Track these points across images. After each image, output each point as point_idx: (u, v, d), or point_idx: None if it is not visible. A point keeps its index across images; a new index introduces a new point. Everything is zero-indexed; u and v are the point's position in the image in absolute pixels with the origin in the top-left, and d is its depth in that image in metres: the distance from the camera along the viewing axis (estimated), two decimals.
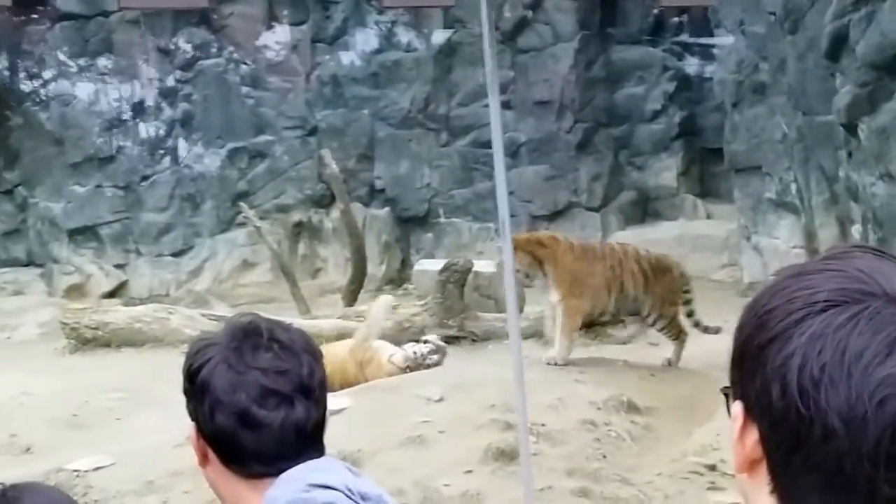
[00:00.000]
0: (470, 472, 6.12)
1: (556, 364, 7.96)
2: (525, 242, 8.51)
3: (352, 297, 12.05)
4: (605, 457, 6.34)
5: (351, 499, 1.62)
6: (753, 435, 0.96)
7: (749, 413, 0.96)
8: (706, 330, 8.78)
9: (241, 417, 1.65)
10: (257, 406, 1.65)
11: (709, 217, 15.03)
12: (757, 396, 0.95)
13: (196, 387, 1.69)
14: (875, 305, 0.92)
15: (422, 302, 10.70)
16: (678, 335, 8.72)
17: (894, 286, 0.94)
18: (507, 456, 6.18)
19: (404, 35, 15.74)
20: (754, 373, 0.95)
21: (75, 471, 6.78)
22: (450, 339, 9.52)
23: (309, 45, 15.99)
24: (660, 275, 8.65)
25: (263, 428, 1.65)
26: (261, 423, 1.65)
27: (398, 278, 15.24)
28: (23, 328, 14.17)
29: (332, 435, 6.22)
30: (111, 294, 15.57)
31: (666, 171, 15.43)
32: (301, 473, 1.64)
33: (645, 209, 15.58)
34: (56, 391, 9.29)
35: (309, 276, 15.45)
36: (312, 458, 1.68)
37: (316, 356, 1.74)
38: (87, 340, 11.50)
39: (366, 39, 15.89)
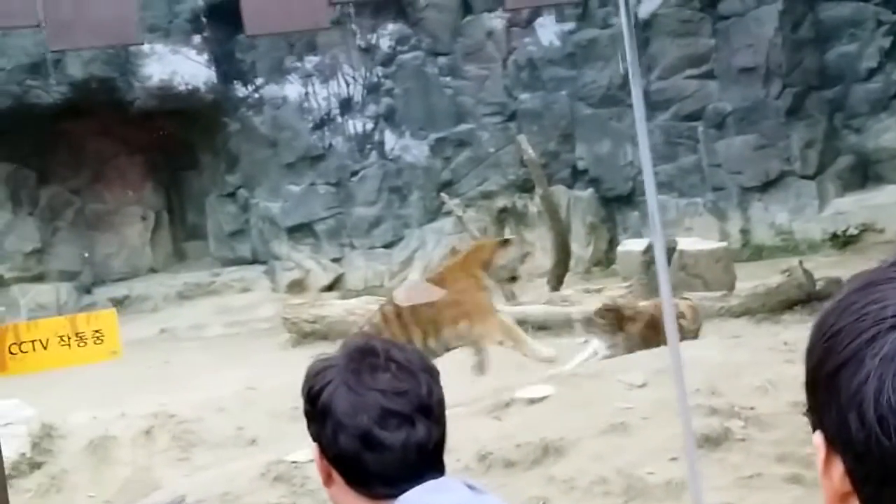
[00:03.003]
0: (674, 459, 5.97)
1: None
2: None
3: (557, 281, 12.03)
4: None
5: None
6: (839, 467, 0.86)
7: (831, 444, 0.87)
8: None
9: (364, 439, 1.66)
10: (379, 428, 1.65)
11: None
12: (836, 428, 0.85)
13: (318, 410, 1.70)
14: None
15: (627, 283, 10.55)
16: None
17: None
18: (712, 442, 6.01)
19: (599, 12, 15.52)
20: (829, 402, 0.86)
21: (293, 462, 7.08)
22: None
23: (504, 31, 16.04)
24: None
25: (385, 449, 1.66)
26: (383, 444, 1.66)
27: (605, 259, 15.09)
28: (251, 323, 14.98)
29: (535, 423, 6.25)
30: (329, 287, 16.21)
31: (887, 132, 14.54)
32: (417, 496, 1.64)
33: (865, 173, 14.75)
34: (278, 385, 9.74)
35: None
36: (433, 478, 1.68)
37: (433, 375, 1.74)
38: (306, 334, 12.03)
39: (561, 20, 15.78)
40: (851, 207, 14.19)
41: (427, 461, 1.68)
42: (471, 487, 1.70)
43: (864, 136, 14.66)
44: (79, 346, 4.33)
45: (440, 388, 1.74)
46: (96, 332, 4.05)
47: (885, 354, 0.82)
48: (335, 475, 1.71)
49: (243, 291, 16.52)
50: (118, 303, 15.40)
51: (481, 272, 7.74)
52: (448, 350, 8.03)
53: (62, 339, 4.48)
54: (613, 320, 8.38)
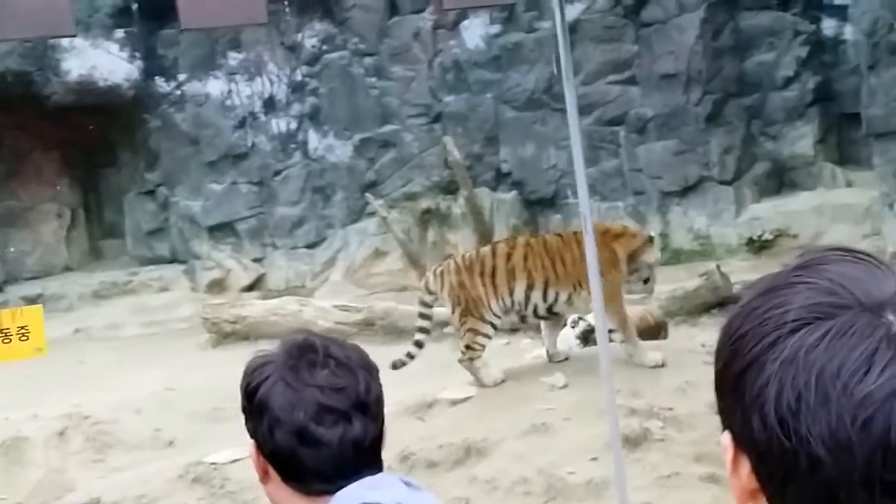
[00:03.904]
0: (595, 459, 6.05)
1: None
2: None
3: None
4: None
5: None
6: (746, 466, 0.90)
7: (738, 444, 0.90)
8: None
9: (300, 435, 1.66)
10: (315, 424, 1.66)
11: (849, 185, 14.44)
12: (741, 428, 0.89)
13: (254, 405, 1.70)
14: (847, 318, 0.85)
15: None
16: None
17: (871, 293, 0.86)
18: (632, 442, 6.09)
19: (525, 16, 15.62)
20: (734, 404, 0.89)
21: (213, 463, 6.99)
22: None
23: (430, 32, 16.05)
24: None
25: (322, 445, 1.66)
26: (319, 440, 1.66)
27: None
28: (169, 323, 14.74)
29: (458, 423, 6.24)
30: (250, 287, 16.04)
31: (801, 140, 14.88)
32: (355, 492, 1.64)
33: (781, 180, 15.08)
34: (197, 385, 9.61)
35: (440, 262, 15.56)
36: (370, 475, 1.68)
37: (372, 372, 1.74)
38: (226, 334, 11.88)
39: (487, 22, 15.85)
40: (767, 213, 14.49)
41: (364, 458, 1.68)
42: (407, 484, 1.70)
43: (779, 144, 14.99)
44: (3, 342, 4.21)
45: (379, 385, 1.74)
46: (22, 328, 3.95)
47: (786, 358, 0.85)
48: (272, 472, 1.71)
49: (161, 291, 16.25)
50: (31, 301, 15.00)
51: (624, 257, 7.59)
52: (549, 313, 7.59)
53: None
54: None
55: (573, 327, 8.49)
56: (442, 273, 7.71)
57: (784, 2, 14.82)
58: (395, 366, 7.42)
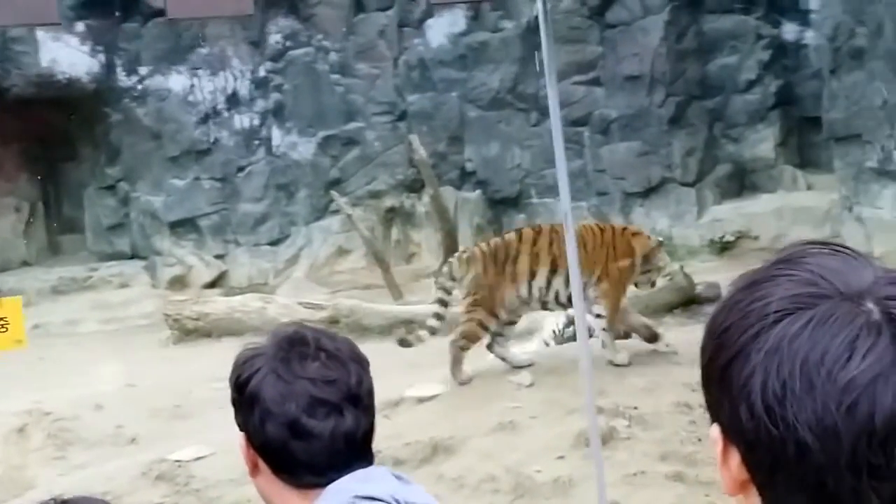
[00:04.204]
0: (562, 457, 6.08)
1: None
2: None
3: None
4: (700, 440, 6.23)
5: None
6: (736, 457, 0.92)
7: (727, 436, 0.92)
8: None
9: (292, 428, 1.66)
10: (307, 416, 1.65)
11: (809, 188, 14.62)
12: (729, 419, 0.91)
13: (245, 398, 1.69)
14: (827, 307, 0.87)
15: None
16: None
17: (850, 283, 0.89)
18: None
19: (491, 15, 15.65)
20: (722, 396, 0.91)
21: (177, 461, 6.94)
22: None
23: (396, 30, 16.03)
24: None
25: (313, 438, 1.65)
26: (311, 432, 1.65)
27: None
28: (129, 320, 14.60)
29: (425, 421, 6.23)
30: (212, 284, 15.91)
31: (763, 143, 15.04)
32: (347, 485, 1.64)
33: (742, 182, 15.24)
34: (160, 382, 9.53)
35: (403, 261, 15.56)
36: (361, 468, 1.67)
37: (363, 364, 1.74)
38: (188, 331, 11.79)
39: (453, 21, 15.85)
40: (728, 215, 14.64)
41: (355, 450, 1.67)
42: (398, 478, 1.70)
43: (741, 146, 15.14)
44: None
45: (370, 377, 1.73)
46: (0, 319, 3.88)
47: (769, 348, 0.88)
48: (261, 465, 1.70)
49: (121, 287, 16.07)
50: None
51: (640, 255, 7.71)
52: (569, 301, 7.28)
53: None
54: None
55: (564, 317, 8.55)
56: (468, 259, 7.69)
57: (747, 5, 14.97)
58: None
